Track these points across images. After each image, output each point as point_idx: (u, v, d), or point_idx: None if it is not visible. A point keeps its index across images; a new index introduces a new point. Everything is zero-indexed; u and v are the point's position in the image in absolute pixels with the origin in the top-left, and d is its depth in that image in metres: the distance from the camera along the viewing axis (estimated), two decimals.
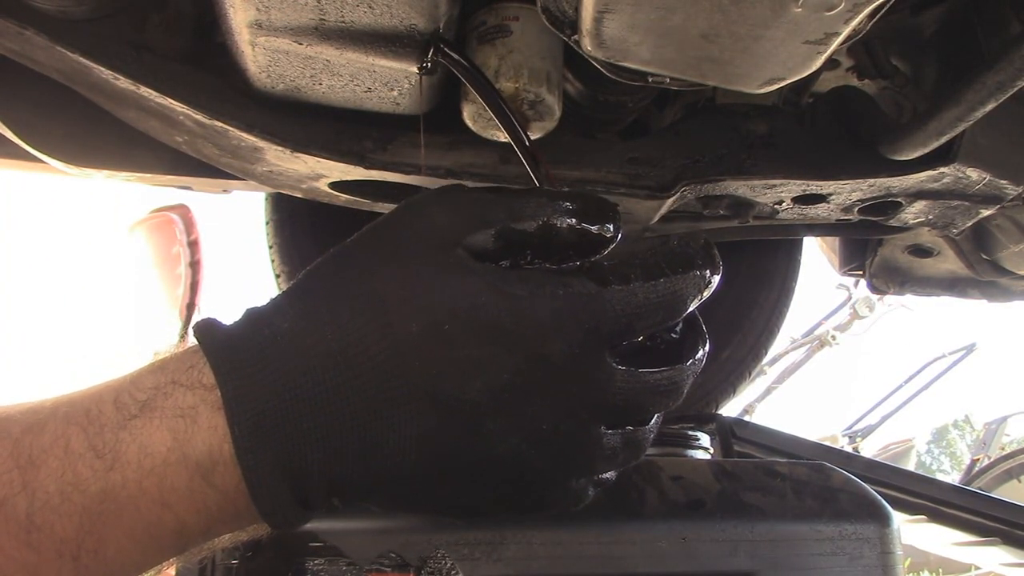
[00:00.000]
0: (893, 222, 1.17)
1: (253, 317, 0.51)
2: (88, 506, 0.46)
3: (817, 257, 1.87)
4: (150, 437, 0.47)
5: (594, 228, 0.52)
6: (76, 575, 0.47)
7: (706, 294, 0.52)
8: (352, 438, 0.48)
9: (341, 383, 0.47)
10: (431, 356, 0.47)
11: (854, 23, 0.64)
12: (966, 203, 1.08)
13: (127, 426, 0.47)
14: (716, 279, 0.52)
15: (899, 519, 0.80)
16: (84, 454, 0.46)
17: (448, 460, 0.49)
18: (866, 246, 1.50)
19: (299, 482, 0.48)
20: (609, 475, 0.55)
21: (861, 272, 1.53)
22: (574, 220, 0.51)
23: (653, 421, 0.54)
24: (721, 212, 1.12)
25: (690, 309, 0.52)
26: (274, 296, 0.52)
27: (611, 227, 0.53)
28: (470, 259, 0.49)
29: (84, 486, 0.46)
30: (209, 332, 0.50)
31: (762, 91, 0.76)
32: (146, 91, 0.85)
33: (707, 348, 0.54)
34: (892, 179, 1.02)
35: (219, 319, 0.52)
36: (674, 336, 0.54)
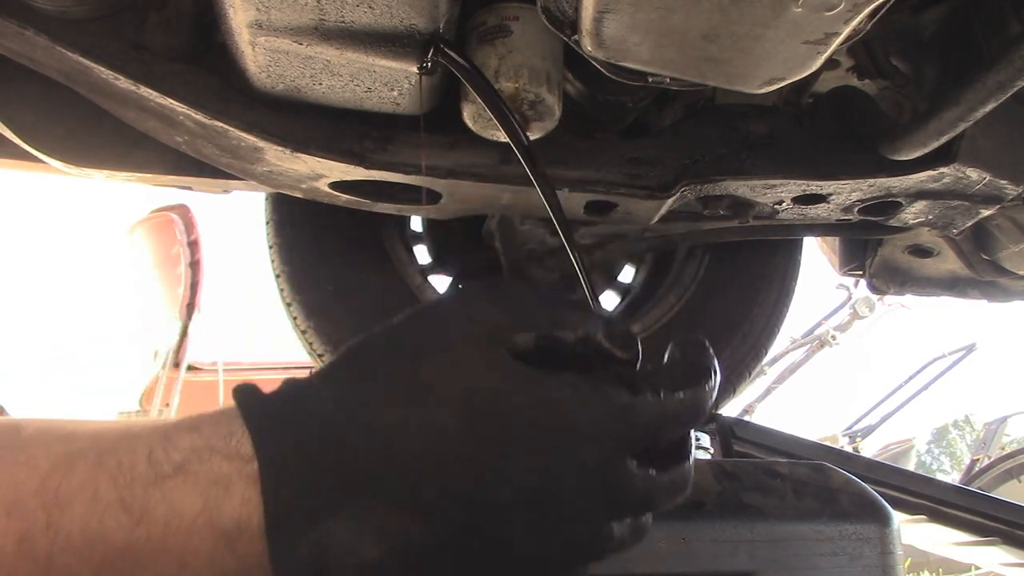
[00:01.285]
0: (893, 222, 1.17)
1: (295, 392, 0.52)
2: (109, 557, 0.46)
3: (817, 257, 1.87)
4: (181, 499, 0.47)
5: (620, 353, 0.55)
6: None
7: (712, 400, 0.55)
8: (383, 530, 0.49)
9: (380, 473, 0.48)
10: (467, 456, 0.48)
11: (854, 23, 0.64)
12: (966, 203, 1.08)
13: (159, 484, 0.48)
14: (718, 384, 0.56)
15: (899, 519, 0.80)
16: (112, 505, 0.47)
17: (468, 553, 0.50)
18: (866, 246, 1.50)
19: (321, 562, 0.49)
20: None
21: (861, 272, 1.53)
22: (605, 339, 0.54)
23: None
24: (721, 212, 1.12)
25: (705, 416, 0.55)
26: (318, 369, 0.53)
27: (635, 352, 0.56)
28: (513, 359, 0.51)
29: (108, 537, 0.46)
30: (250, 402, 0.51)
31: (762, 91, 0.76)
32: (146, 91, 0.85)
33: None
34: (892, 179, 1.02)
35: (259, 388, 0.52)
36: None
